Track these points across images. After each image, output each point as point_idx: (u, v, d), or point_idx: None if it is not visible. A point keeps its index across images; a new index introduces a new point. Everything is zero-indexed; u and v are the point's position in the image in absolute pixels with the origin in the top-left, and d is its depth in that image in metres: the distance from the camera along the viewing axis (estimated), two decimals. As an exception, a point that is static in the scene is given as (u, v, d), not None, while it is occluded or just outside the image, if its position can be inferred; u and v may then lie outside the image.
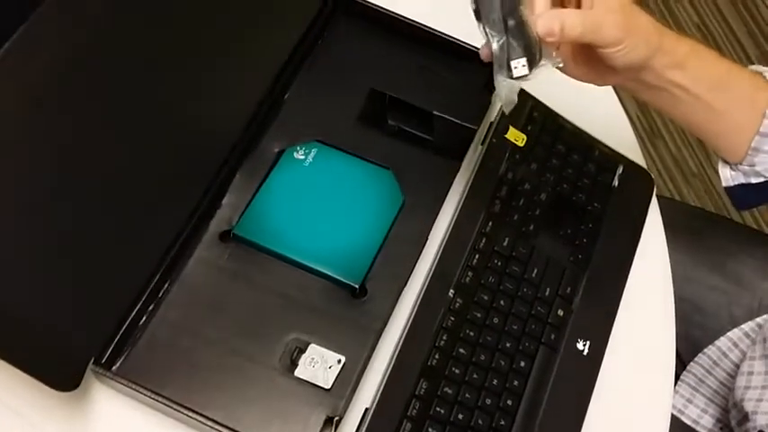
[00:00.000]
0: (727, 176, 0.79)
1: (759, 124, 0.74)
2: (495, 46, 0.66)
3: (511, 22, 0.65)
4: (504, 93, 0.67)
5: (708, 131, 0.78)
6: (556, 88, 0.85)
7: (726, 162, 0.79)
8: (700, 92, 0.73)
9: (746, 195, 0.79)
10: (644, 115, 1.86)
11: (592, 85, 0.91)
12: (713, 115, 0.75)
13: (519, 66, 0.65)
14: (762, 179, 0.77)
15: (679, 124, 0.78)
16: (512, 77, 0.66)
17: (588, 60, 0.71)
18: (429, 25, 0.86)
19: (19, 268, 0.65)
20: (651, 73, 0.72)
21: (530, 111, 0.84)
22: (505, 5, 0.65)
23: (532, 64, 0.65)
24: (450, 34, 0.85)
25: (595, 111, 0.90)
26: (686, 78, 0.72)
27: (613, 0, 0.67)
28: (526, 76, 0.66)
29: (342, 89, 0.84)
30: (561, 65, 0.68)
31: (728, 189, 0.79)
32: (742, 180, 0.78)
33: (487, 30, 0.66)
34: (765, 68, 0.77)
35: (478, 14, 0.66)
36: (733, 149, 0.77)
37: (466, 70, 0.86)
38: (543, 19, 0.64)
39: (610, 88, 0.93)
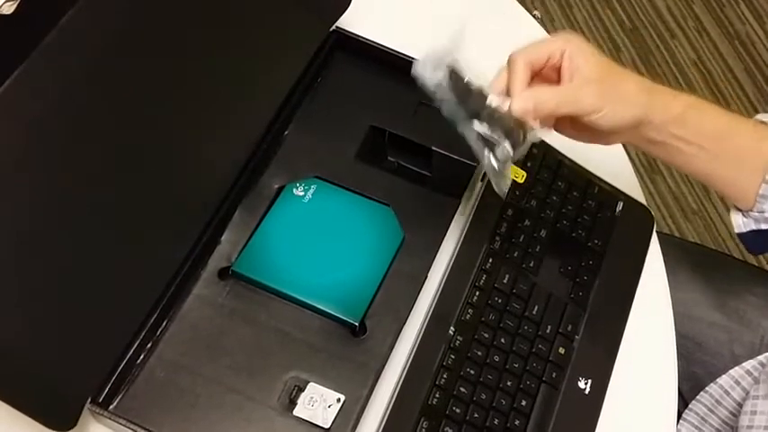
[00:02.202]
0: (739, 223, 0.79)
1: (765, 172, 0.74)
2: (473, 143, 0.68)
3: (483, 115, 0.67)
4: (496, 180, 0.70)
5: (715, 181, 0.78)
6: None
7: (737, 208, 0.79)
8: (703, 143, 0.74)
9: (759, 241, 0.79)
10: (643, 152, 1.87)
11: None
12: (719, 165, 0.75)
13: (504, 151, 0.68)
14: None
15: (686, 173, 0.79)
16: (498, 161, 0.68)
17: (584, 126, 0.72)
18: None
19: (15, 307, 0.64)
20: (651, 128, 0.72)
21: (529, 148, 0.84)
22: (470, 107, 0.67)
23: (516, 146, 0.68)
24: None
25: (594, 147, 0.90)
26: (688, 132, 0.73)
27: (591, 70, 0.69)
28: (511, 157, 0.68)
29: (341, 126, 0.84)
30: (541, 137, 0.72)
31: (740, 235, 0.79)
32: (753, 227, 0.78)
33: (465, 131, 0.68)
34: None
35: (452, 117, 0.68)
36: (742, 197, 0.77)
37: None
38: (517, 100, 0.67)
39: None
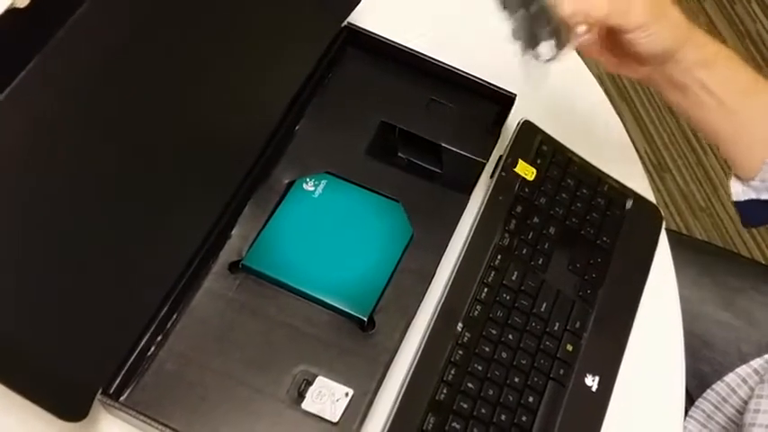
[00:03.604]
0: (738, 191, 0.78)
1: None
2: (519, 31, 0.68)
3: (533, 8, 0.67)
4: (532, 76, 0.69)
5: (726, 140, 0.77)
6: (565, 122, 0.85)
7: (737, 177, 0.79)
8: (724, 96, 0.73)
9: (756, 212, 0.78)
10: (652, 149, 1.87)
11: (601, 119, 0.91)
12: (733, 124, 0.75)
13: (546, 49, 0.68)
14: None
15: (699, 130, 0.78)
16: (539, 60, 0.68)
17: (615, 48, 0.72)
18: (439, 59, 0.86)
19: (28, 299, 0.65)
20: (678, 68, 0.72)
21: (539, 145, 0.85)
22: None
23: (558, 46, 0.67)
24: (460, 67, 0.86)
25: (604, 145, 0.90)
26: (713, 79, 0.72)
27: None
28: (553, 57, 0.68)
29: (352, 121, 0.85)
30: (587, 40, 0.69)
31: (738, 204, 0.79)
32: (753, 195, 0.77)
33: (512, 17, 0.68)
34: None
35: (503, 3, 0.68)
36: (747, 163, 0.76)
37: (476, 103, 0.86)
38: (570, 0, 0.66)
39: (619, 122, 0.93)
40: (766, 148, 0.74)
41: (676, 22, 0.70)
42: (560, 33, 0.67)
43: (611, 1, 0.67)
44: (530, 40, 0.68)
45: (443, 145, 0.83)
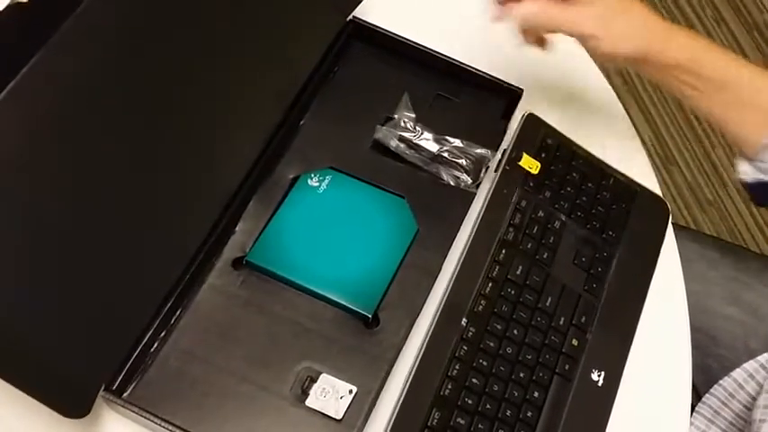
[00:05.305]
0: (746, 171, 0.79)
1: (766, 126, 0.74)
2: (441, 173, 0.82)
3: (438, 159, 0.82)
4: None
5: (720, 123, 0.79)
6: (570, 115, 0.85)
7: (744, 156, 0.78)
8: (705, 89, 0.75)
9: (765, 192, 0.78)
10: (658, 142, 1.86)
11: (607, 112, 0.91)
12: (722, 109, 0.76)
13: (463, 178, 0.82)
14: None
15: (696, 113, 0.80)
16: (463, 181, 0.82)
17: None
18: (444, 53, 0.86)
19: (30, 296, 0.65)
20: (652, 68, 0.75)
21: (543, 138, 0.84)
22: (426, 153, 0.81)
23: (470, 172, 0.81)
24: (465, 62, 0.85)
25: (610, 138, 0.90)
26: (689, 78, 0.75)
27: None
28: (472, 181, 0.82)
29: (357, 116, 0.84)
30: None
31: (746, 184, 0.79)
32: (758, 176, 0.78)
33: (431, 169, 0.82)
34: None
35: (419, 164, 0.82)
36: (748, 144, 0.77)
37: (480, 98, 0.86)
38: (526, 5, 0.71)
39: (625, 115, 0.93)
40: (759, 131, 0.75)
41: (635, 29, 0.72)
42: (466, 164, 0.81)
43: (563, 12, 0.71)
44: (448, 173, 0.81)
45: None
